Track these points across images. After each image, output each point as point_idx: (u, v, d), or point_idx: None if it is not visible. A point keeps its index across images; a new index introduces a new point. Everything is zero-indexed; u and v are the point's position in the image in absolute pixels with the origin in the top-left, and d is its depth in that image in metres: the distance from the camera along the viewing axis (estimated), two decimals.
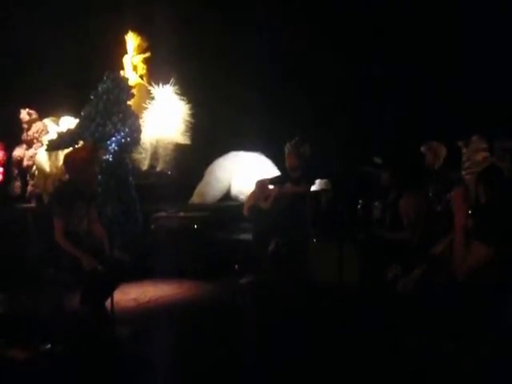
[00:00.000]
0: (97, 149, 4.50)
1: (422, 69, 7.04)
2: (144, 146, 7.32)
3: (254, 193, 5.84)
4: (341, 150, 7.07)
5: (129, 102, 6.73)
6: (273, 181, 5.90)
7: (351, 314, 3.97)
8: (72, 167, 4.06)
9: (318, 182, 6.13)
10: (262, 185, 5.83)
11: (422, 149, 5.30)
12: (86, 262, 3.73)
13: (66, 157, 4.18)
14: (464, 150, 5.44)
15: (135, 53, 8.46)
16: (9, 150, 7.83)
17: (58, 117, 7.62)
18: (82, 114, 6.59)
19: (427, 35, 6.97)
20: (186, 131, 7.62)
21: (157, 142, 7.55)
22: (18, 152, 7.74)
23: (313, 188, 5.89)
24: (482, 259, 2.95)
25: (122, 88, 6.64)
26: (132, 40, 8.42)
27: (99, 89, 6.53)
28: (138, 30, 8.42)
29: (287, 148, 5.74)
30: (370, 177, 5.34)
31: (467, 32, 6.68)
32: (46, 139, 7.10)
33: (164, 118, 7.58)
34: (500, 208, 3.04)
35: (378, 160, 5.32)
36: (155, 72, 8.26)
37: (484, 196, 3.16)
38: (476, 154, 5.33)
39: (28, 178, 7.67)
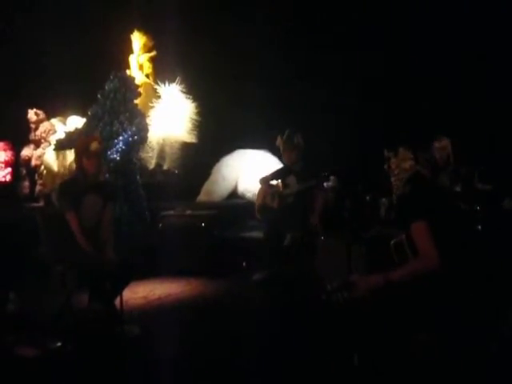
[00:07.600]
0: (91, 139, 4.35)
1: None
2: (151, 145, 7.37)
3: (261, 191, 5.82)
4: (348, 145, 7.06)
5: (135, 101, 6.76)
6: (275, 175, 5.85)
7: (358, 313, 3.95)
8: (75, 159, 4.08)
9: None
10: (265, 182, 5.80)
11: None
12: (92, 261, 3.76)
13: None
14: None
15: (141, 52, 8.51)
16: (17, 150, 7.89)
17: (66, 116, 7.67)
18: (89, 113, 6.63)
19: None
20: (193, 129, 7.66)
21: (163, 140, 7.59)
22: (26, 152, 7.79)
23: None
24: None
25: (129, 87, 6.67)
26: (138, 39, 8.48)
27: (106, 88, 6.56)
28: (144, 29, 8.47)
29: (281, 144, 5.57)
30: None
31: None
32: (54, 139, 7.15)
33: (170, 117, 7.62)
34: None
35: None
36: (161, 71, 8.30)
37: None
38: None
39: (36, 178, 7.72)
